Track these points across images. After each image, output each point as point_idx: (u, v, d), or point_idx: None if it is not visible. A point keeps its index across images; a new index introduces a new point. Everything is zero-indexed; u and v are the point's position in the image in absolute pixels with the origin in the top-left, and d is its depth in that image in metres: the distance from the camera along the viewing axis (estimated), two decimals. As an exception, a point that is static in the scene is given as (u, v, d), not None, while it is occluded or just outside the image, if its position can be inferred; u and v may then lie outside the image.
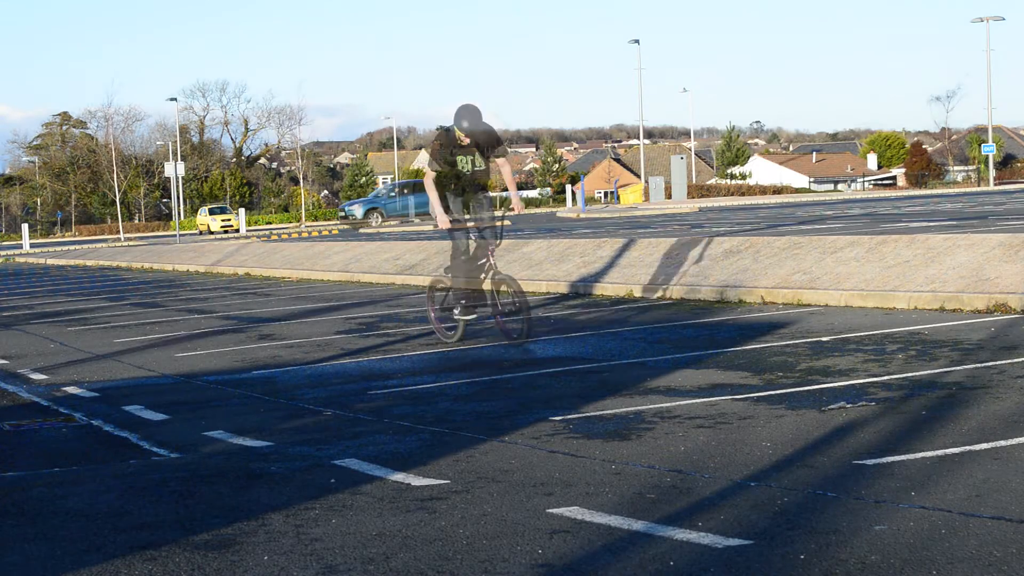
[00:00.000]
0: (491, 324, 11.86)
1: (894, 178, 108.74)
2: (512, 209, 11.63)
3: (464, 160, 11.46)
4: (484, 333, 12.20)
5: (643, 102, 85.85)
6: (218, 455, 6.92)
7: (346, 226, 54.65)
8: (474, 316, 11.62)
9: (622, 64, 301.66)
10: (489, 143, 11.51)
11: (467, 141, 11.39)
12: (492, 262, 11.43)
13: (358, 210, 55.14)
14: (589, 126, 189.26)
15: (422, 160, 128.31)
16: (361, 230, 49.33)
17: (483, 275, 11.51)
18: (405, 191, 56.04)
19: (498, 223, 11.58)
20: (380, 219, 53.76)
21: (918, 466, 5.57)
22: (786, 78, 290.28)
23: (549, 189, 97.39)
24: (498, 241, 11.56)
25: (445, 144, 11.43)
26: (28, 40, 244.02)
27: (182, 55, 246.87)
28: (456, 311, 11.59)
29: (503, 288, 11.47)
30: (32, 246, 63.01)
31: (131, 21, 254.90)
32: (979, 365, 8.21)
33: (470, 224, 11.51)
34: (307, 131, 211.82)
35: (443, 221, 11.28)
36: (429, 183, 11.48)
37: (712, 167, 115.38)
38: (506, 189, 12.79)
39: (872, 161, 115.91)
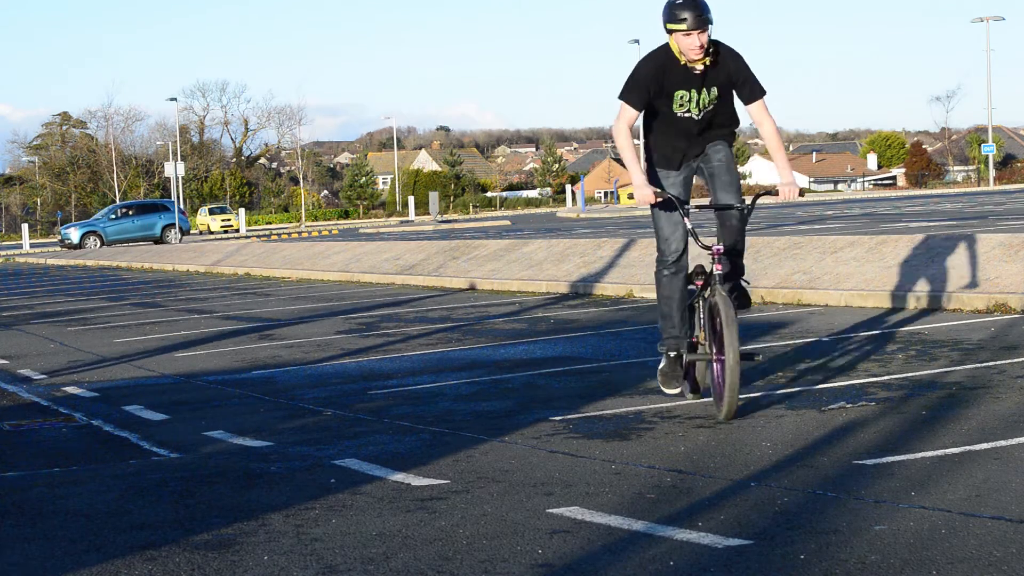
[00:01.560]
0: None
1: (894, 178, 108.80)
2: (774, 192, 7.24)
3: (685, 96, 6.95)
4: (483, 333, 12.19)
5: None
6: (218, 455, 6.92)
7: (62, 248, 52.27)
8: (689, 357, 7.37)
9: (622, 64, 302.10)
10: (739, 72, 6.98)
11: (701, 62, 6.80)
12: (716, 273, 6.94)
13: (74, 234, 52.22)
14: (589, 126, 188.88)
15: (422, 160, 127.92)
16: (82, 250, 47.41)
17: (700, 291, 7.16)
18: (130, 212, 53.76)
19: (737, 210, 7.11)
20: (99, 243, 51.38)
21: (918, 466, 5.56)
22: (786, 78, 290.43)
23: (549, 189, 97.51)
24: (726, 245, 7.10)
25: (657, 67, 6.90)
26: (28, 40, 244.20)
27: (182, 55, 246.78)
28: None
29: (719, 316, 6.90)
30: (32, 246, 63.02)
31: (131, 20, 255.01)
32: (979, 365, 8.20)
33: (689, 206, 7.16)
34: (307, 131, 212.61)
35: (643, 194, 6.95)
36: (621, 129, 7.10)
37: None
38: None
39: (872, 161, 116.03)
